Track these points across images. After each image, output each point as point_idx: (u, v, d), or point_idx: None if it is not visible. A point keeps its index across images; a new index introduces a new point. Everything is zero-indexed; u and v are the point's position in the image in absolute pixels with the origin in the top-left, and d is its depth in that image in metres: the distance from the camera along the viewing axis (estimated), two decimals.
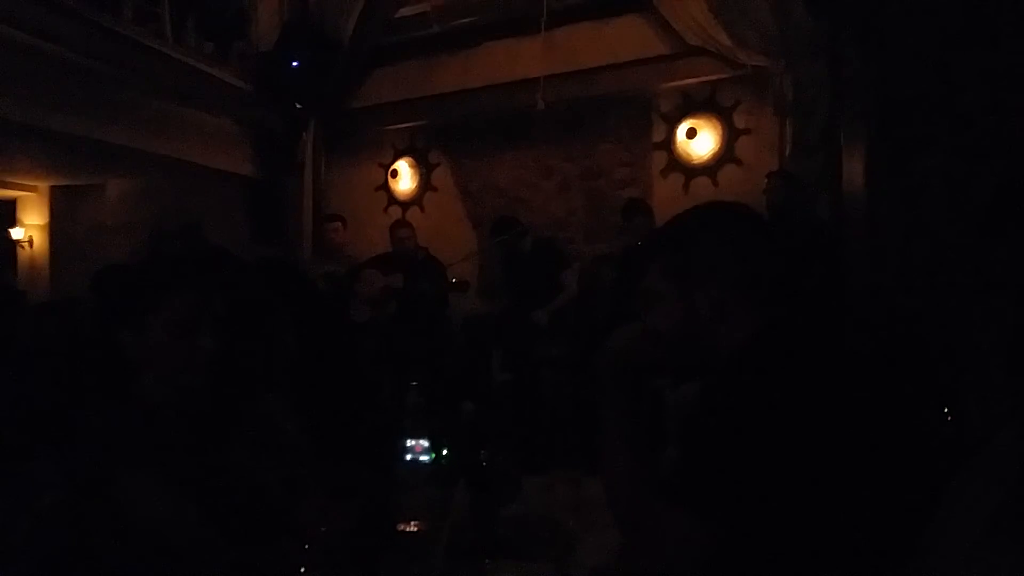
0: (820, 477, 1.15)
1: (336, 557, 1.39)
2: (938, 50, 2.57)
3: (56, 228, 8.04)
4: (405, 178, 7.16)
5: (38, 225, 8.12)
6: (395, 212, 7.08)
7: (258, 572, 1.47)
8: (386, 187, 7.24)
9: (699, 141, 6.02)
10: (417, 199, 7.13)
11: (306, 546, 1.34)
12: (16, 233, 8.06)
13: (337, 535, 1.43)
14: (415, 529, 1.89)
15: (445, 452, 2.21)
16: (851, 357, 1.38)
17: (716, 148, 6.00)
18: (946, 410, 1.42)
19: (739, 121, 5.95)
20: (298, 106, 6.53)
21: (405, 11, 6.52)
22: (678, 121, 6.13)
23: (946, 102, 2.59)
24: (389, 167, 7.21)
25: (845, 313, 1.58)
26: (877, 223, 3.32)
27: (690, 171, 6.11)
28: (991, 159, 2.18)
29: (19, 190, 7.92)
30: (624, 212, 5.45)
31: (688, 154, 6.10)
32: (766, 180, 4.83)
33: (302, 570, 1.30)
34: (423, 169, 7.13)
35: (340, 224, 6.27)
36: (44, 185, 7.96)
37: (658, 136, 6.25)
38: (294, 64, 6.19)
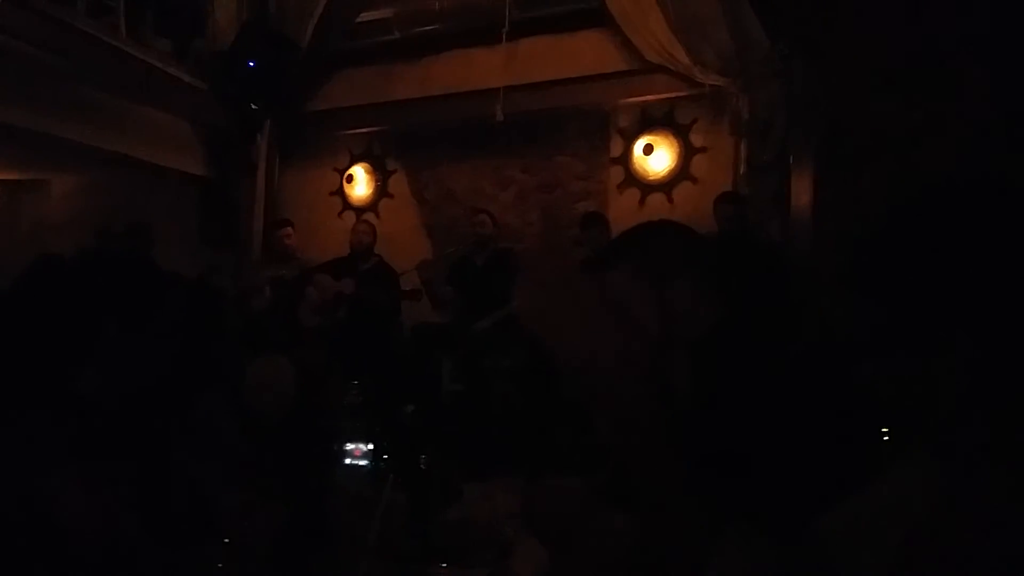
0: (758, 472, 1.16)
1: (257, 554, 1.34)
2: (883, 71, 2.63)
3: None
4: (361, 184, 7.09)
5: None
6: (349, 217, 7.00)
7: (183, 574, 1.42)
8: (341, 192, 7.16)
9: (656, 157, 6.07)
10: (372, 205, 7.06)
11: (226, 540, 1.30)
12: None
13: (261, 533, 1.39)
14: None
15: (385, 456, 2.17)
16: (790, 366, 1.40)
17: (672, 165, 6.05)
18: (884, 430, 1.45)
19: (695, 139, 6.00)
20: (253, 107, 6.43)
21: (366, 16, 6.47)
22: (635, 137, 6.18)
23: (890, 121, 2.65)
24: (345, 172, 7.14)
25: (787, 324, 1.61)
26: (822, 238, 3.38)
27: (646, 187, 6.15)
28: (931, 176, 2.22)
29: None
30: (582, 223, 5.50)
31: (644, 170, 6.13)
32: (714, 206, 4.90)
33: (219, 565, 1.25)
34: (379, 175, 7.07)
35: (290, 229, 6.19)
36: None
37: (615, 151, 6.28)
38: (251, 64, 6.10)
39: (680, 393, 1.20)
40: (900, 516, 0.86)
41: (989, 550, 0.76)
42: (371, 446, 2.22)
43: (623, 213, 5.98)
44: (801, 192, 4.10)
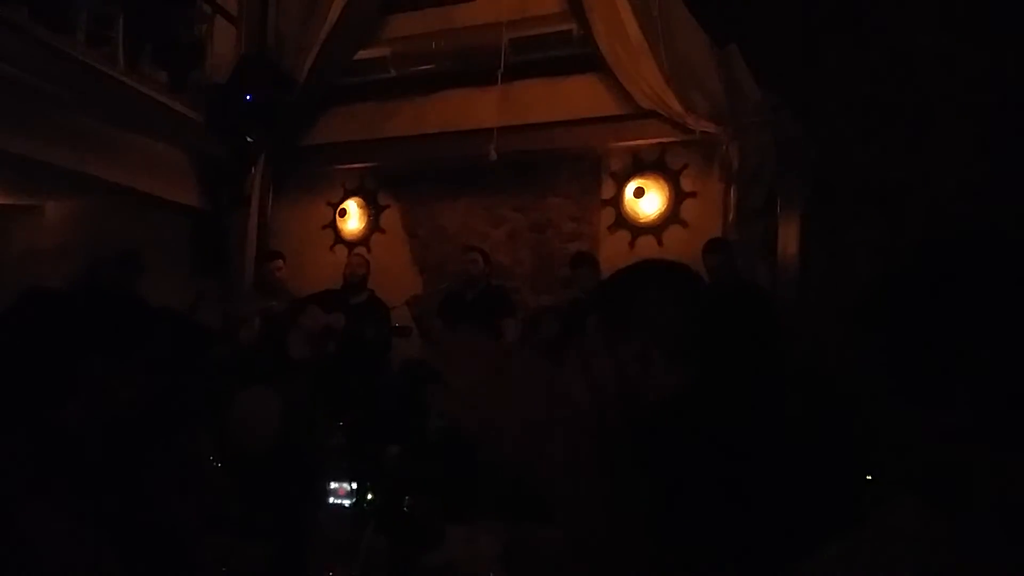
0: (738, 531, 1.16)
1: None
2: (872, 129, 2.69)
3: None
4: (353, 218, 7.12)
5: None
6: (341, 251, 7.03)
7: None
8: (333, 226, 7.19)
9: (646, 201, 6.13)
10: (364, 240, 7.08)
11: None
12: None
13: (243, 574, 1.38)
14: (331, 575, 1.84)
15: (369, 496, 2.17)
16: (776, 417, 1.41)
17: (662, 208, 6.12)
18: (868, 476, 1.45)
19: (686, 184, 6.08)
20: (249, 140, 6.48)
21: (363, 54, 6.55)
22: (627, 180, 6.25)
23: (877, 179, 2.70)
24: (337, 206, 7.18)
25: (774, 374, 1.62)
26: (808, 289, 3.42)
27: (636, 229, 6.21)
28: (915, 232, 2.26)
29: None
30: (571, 263, 5.56)
31: (635, 212, 6.20)
32: (702, 252, 4.95)
33: None
34: (372, 210, 7.11)
35: (281, 262, 6.21)
36: None
37: (607, 193, 6.35)
38: (247, 98, 6.15)
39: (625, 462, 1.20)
40: (888, 562, 0.87)
41: None
42: (355, 485, 2.22)
43: (613, 254, 6.04)
44: (789, 240, 4.15)
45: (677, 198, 6.10)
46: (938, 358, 0.86)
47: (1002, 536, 0.78)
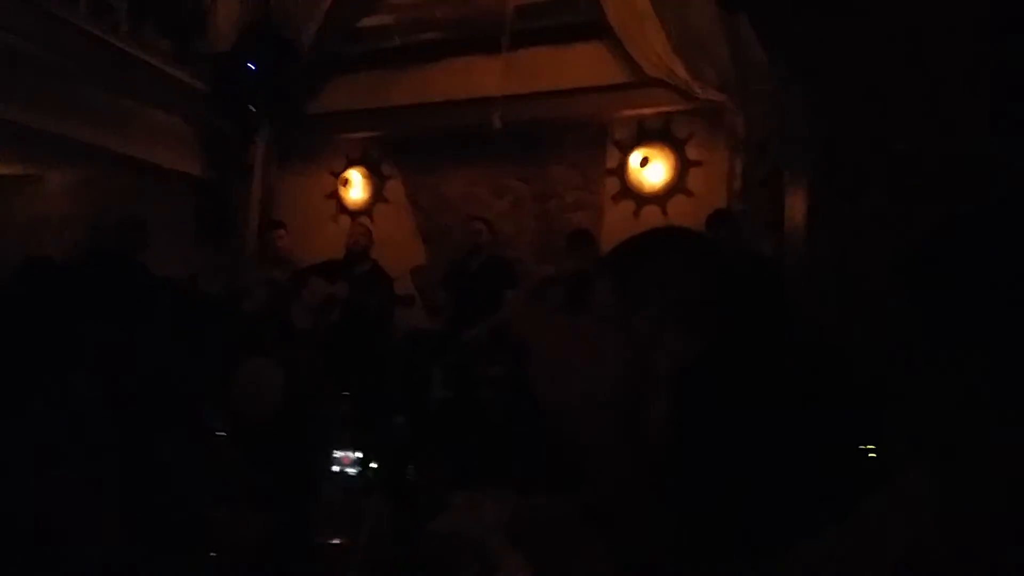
0: (748, 498, 1.17)
1: (247, 567, 1.35)
2: (880, 98, 2.66)
3: None
4: (357, 188, 7.09)
5: None
6: (344, 221, 7.00)
7: None
8: (336, 196, 7.17)
9: (651, 170, 6.10)
10: (367, 210, 7.06)
11: (213, 553, 1.30)
12: None
13: (250, 545, 1.39)
14: (337, 542, 1.85)
15: (373, 465, 2.18)
16: (784, 388, 1.41)
17: (667, 178, 6.09)
18: (872, 447, 1.45)
19: (691, 153, 6.05)
20: (252, 109, 6.44)
21: (368, 22, 6.50)
22: (632, 149, 6.21)
23: (885, 148, 2.68)
24: (341, 176, 7.14)
25: (782, 344, 1.62)
26: (815, 259, 3.40)
27: (641, 199, 6.18)
28: (924, 205, 2.25)
29: None
30: (569, 242, 5.49)
31: (640, 182, 6.17)
32: (706, 223, 4.92)
33: None
34: (375, 180, 7.07)
35: (283, 231, 6.21)
36: None
37: (611, 162, 6.31)
38: (251, 67, 6.11)
39: (654, 428, 1.21)
40: (897, 533, 0.87)
41: (987, 563, 0.77)
42: (359, 454, 2.23)
43: (618, 224, 6.02)
44: (796, 210, 4.12)
45: (682, 167, 6.07)
46: (967, 321, 0.85)
47: (1010, 505, 0.78)
